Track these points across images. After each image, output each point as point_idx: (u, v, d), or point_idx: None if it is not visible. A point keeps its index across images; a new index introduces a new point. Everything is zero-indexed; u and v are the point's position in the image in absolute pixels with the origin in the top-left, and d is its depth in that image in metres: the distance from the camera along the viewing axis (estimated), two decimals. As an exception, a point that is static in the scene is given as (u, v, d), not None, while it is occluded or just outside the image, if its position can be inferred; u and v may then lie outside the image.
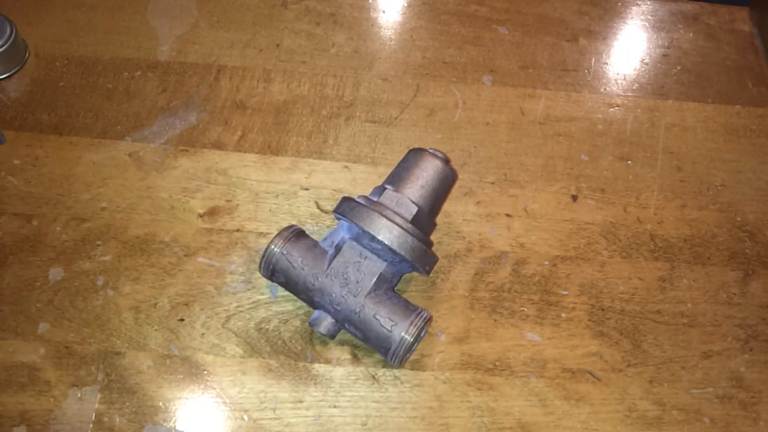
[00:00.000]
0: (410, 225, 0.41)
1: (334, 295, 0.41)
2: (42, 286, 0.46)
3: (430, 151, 0.44)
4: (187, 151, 0.52)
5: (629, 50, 0.60)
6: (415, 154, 0.44)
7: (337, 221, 0.45)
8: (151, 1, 0.60)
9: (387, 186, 0.42)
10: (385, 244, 0.40)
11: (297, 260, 0.42)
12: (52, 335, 0.44)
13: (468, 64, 0.58)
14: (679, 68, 0.60)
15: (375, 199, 0.42)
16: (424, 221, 0.42)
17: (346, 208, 0.41)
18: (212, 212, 0.49)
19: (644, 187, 0.53)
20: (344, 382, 0.43)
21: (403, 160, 0.44)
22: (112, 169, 0.51)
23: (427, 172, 0.43)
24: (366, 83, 0.56)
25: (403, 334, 0.40)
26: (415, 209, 0.41)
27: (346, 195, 0.47)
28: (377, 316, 0.41)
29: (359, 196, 0.43)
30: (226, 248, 0.48)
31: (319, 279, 0.42)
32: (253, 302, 0.46)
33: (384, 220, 0.40)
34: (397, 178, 0.43)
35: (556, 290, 0.48)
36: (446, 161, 0.44)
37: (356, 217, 0.40)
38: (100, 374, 0.43)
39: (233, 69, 0.56)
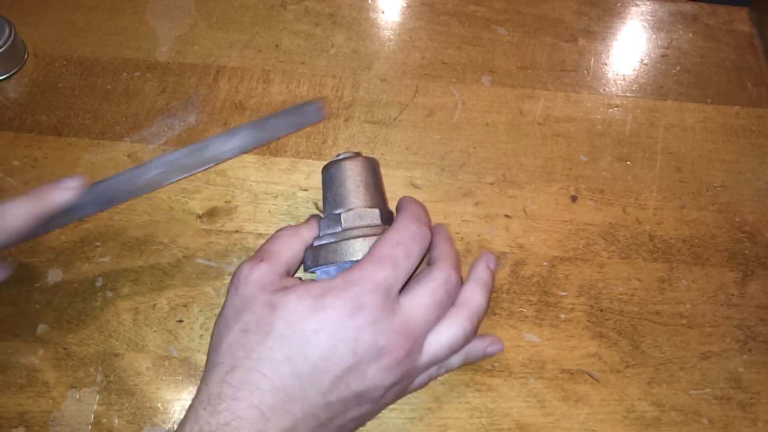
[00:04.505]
0: (385, 225, 0.41)
1: None
2: (41, 287, 0.46)
3: (341, 157, 0.43)
4: (185, 152, 0.52)
5: (628, 51, 0.60)
6: (336, 170, 0.42)
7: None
8: (150, 1, 0.60)
9: (337, 211, 0.42)
10: None
11: None
12: (51, 336, 0.44)
13: (467, 65, 0.58)
14: (678, 69, 0.59)
15: (338, 229, 0.41)
16: (386, 213, 0.42)
17: (327, 255, 0.40)
18: (211, 213, 0.49)
19: (643, 187, 0.53)
20: (343, 383, 0.43)
21: (329, 181, 0.43)
22: (110, 170, 0.51)
23: (357, 176, 0.42)
24: (365, 84, 0.56)
25: None
26: (377, 211, 0.41)
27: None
28: None
29: (318, 240, 0.41)
30: (225, 249, 0.48)
31: None
32: (252, 303, 0.46)
33: (370, 239, 0.39)
34: (339, 199, 0.42)
35: (554, 291, 0.48)
36: (359, 154, 0.43)
37: (345, 255, 0.39)
38: (98, 376, 0.43)
39: (232, 70, 0.56)
